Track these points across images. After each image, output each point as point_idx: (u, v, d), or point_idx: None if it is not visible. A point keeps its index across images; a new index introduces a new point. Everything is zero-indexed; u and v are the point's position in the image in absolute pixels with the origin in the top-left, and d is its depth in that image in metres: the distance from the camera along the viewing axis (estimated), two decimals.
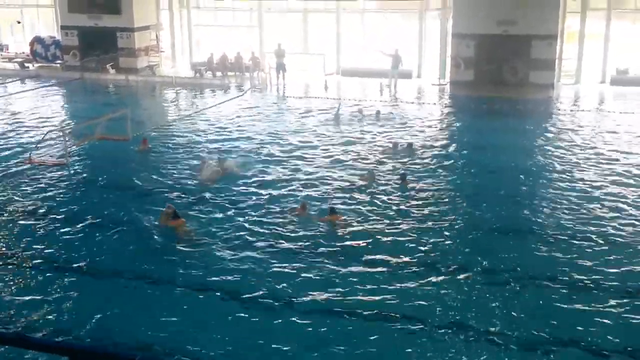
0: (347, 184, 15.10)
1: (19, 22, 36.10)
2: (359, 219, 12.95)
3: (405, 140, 18.75)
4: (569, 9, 27.40)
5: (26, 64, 32.98)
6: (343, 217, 12.90)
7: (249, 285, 10.36)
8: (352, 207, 13.56)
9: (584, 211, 13.30)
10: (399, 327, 9.22)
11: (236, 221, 12.83)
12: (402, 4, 29.69)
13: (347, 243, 11.90)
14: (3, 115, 22.90)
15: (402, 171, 15.64)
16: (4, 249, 11.84)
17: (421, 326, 9.22)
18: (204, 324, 9.31)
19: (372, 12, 30.66)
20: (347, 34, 31.00)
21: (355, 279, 10.49)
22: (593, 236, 12.07)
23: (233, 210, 13.40)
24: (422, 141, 18.83)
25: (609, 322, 9.25)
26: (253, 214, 13.24)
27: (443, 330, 9.11)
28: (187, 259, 11.31)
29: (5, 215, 13.39)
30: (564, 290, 10.17)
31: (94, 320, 9.37)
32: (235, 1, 30.74)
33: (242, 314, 9.58)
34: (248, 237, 12.09)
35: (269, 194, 14.41)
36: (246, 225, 12.64)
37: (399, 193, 14.48)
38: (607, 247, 11.62)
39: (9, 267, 11.18)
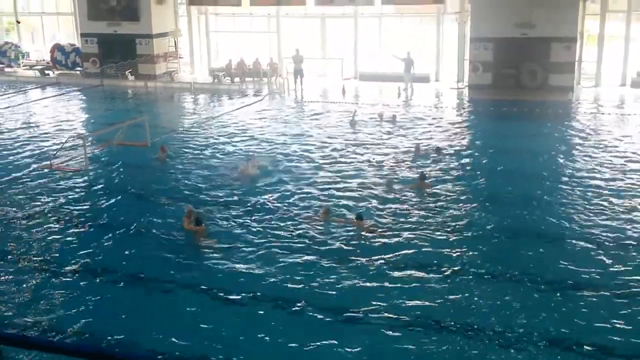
0: (368, 188, 15.07)
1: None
2: (381, 223, 12.91)
3: (427, 143, 18.75)
4: (588, 11, 27.18)
5: (47, 71, 33.36)
6: (370, 223, 12.83)
7: (275, 290, 10.37)
8: (374, 212, 13.52)
9: (608, 214, 13.16)
10: (426, 332, 9.18)
11: (258, 225, 12.86)
12: (419, 8, 29.62)
13: (373, 248, 11.86)
14: (24, 122, 23.15)
15: (422, 172, 15.64)
16: (24, 253, 11.93)
17: (445, 330, 9.17)
18: (225, 329, 9.32)
19: (389, 16, 30.62)
20: (364, 38, 31.00)
21: (381, 285, 10.45)
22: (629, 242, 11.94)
23: (255, 215, 13.44)
24: (440, 145, 18.73)
25: None
26: (275, 218, 13.27)
27: (466, 333, 9.05)
28: (207, 264, 11.34)
29: (25, 219, 13.51)
30: (592, 298, 10.06)
31: (113, 324, 9.43)
32: (253, 7, 30.80)
33: (272, 321, 9.58)
34: (270, 242, 12.11)
35: (290, 198, 14.43)
36: (268, 229, 12.68)
37: (419, 195, 14.43)
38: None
39: (28, 271, 11.27)
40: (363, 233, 12.45)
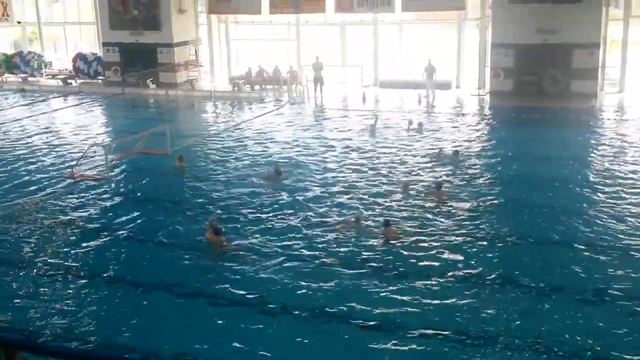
0: (387, 194, 15.01)
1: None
2: (403, 230, 12.85)
3: (447, 148, 18.70)
4: (611, 16, 26.86)
5: (69, 80, 33.69)
6: (398, 232, 12.74)
7: (298, 299, 10.33)
8: (396, 218, 13.45)
9: (631, 222, 12.96)
10: (444, 341, 9.07)
11: (281, 233, 12.86)
12: (440, 14, 29.50)
13: (398, 256, 11.80)
14: (47, 131, 23.37)
15: (438, 181, 15.53)
16: (44, 259, 12.00)
17: (461, 338, 9.05)
18: (242, 338, 9.27)
19: (409, 23, 30.53)
20: (384, 45, 30.92)
21: (407, 294, 10.39)
22: None
23: (276, 222, 13.42)
24: (462, 151, 18.60)
25: None
26: (299, 226, 13.25)
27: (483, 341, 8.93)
28: (228, 273, 11.32)
29: (46, 227, 13.60)
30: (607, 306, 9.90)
31: (129, 332, 9.44)
32: (272, 15, 30.87)
33: (292, 330, 9.53)
34: (296, 250, 12.10)
35: (313, 205, 14.42)
36: (294, 237, 12.66)
37: (439, 201, 14.34)
38: None
39: (47, 277, 11.34)
40: (390, 241, 12.38)
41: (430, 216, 13.64)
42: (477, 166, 17.36)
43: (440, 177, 16.18)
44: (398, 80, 29.79)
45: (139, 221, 13.96)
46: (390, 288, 10.58)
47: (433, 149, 18.85)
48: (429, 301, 10.12)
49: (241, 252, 12.00)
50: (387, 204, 14.44)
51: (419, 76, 27.79)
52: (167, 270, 11.59)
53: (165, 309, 10.28)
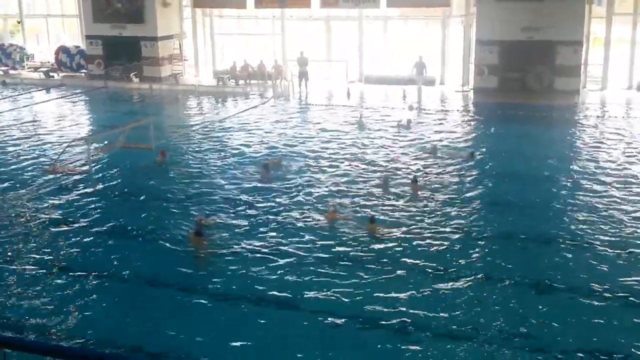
0: (373, 189, 15.03)
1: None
2: (385, 225, 12.86)
3: (428, 143, 18.86)
4: (594, 14, 27.04)
5: (51, 73, 33.37)
6: (382, 228, 12.75)
7: (283, 293, 10.32)
8: (378, 213, 13.45)
9: (614, 219, 13.05)
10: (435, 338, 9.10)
11: (262, 228, 12.83)
12: (425, 11, 29.54)
13: (380, 250, 11.80)
14: (28, 124, 23.13)
15: (414, 175, 15.59)
16: (25, 256, 11.88)
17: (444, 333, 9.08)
18: (230, 333, 9.24)
19: (394, 19, 30.53)
20: (369, 41, 30.92)
21: (388, 287, 10.41)
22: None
23: (259, 217, 13.38)
24: (446, 148, 18.65)
25: None
26: (280, 220, 13.24)
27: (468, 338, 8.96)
28: (211, 268, 11.32)
29: (27, 223, 13.46)
30: (591, 302, 9.97)
31: (113, 327, 9.37)
32: (257, 9, 30.75)
33: (275, 324, 9.51)
34: (275, 245, 12.07)
35: (296, 199, 14.42)
36: (273, 232, 12.65)
37: (423, 198, 14.36)
38: None
39: (29, 274, 11.21)
40: (375, 235, 12.42)
41: (413, 211, 13.65)
42: (460, 162, 17.37)
43: (421, 171, 16.27)
44: (383, 76, 29.79)
45: (120, 216, 13.86)
46: (373, 282, 10.60)
47: (422, 144, 18.88)
48: (413, 296, 10.13)
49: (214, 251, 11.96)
50: (372, 198, 14.44)
51: (407, 72, 27.75)
52: (149, 265, 11.52)
53: (148, 305, 10.22)
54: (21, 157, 18.50)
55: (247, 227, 12.93)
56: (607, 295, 10.11)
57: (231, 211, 13.86)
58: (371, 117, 23.08)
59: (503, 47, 26.14)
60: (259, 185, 15.56)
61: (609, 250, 11.70)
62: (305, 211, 13.77)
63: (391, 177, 15.84)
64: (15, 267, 11.51)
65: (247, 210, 13.87)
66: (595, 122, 22.32)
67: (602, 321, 9.40)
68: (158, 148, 18.07)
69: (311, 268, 11.16)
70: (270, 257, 11.60)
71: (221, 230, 12.75)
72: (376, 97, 27.18)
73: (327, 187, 15.39)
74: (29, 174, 16.83)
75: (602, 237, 12.22)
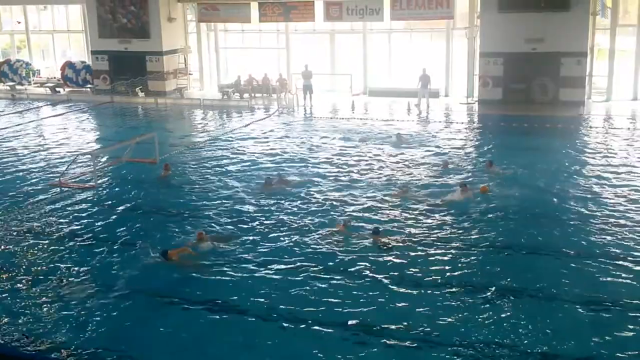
0: (382, 202, 15.05)
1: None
2: (395, 238, 12.88)
3: (437, 158, 18.87)
4: (598, 25, 27.05)
5: (57, 89, 33.54)
6: (387, 239, 12.77)
7: (285, 306, 10.31)
8: (388, 225, 13.47)
9: (621, 231, 13.01)
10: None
11: (268, 241, 12.88)
12: (429, 23, 29.64)
13: (387, 264, 11.81)
14: (35, 139, 23.26)
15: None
16: (31, 269, 11.94)
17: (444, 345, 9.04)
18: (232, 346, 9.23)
19: (398, 32, 30.62)
20: (374, 54, 30.99)
21: (395, 301, 10.43)
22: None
23: (263, 230, 13.39)
24: (451, 160, 18.63)
25: None
26: (289, 234, 13.27)
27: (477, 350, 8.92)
28: (213, 281, 11.32)
29: (33, 236, 13.51)
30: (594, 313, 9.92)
31: (115, 341, 9.38)
32: (262, 23, 30.90)
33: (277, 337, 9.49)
34: (284, 258, 12.13)
35: (306, 212, 14.49)
36: (282, 245, 12.69)
37: (431, 210, 14.36)
38: None
39: (35, 287, 11.25)
40: (380, 246, 12.44)
41: (420, 223, 13.65)
42: (464, 174, 17.35)
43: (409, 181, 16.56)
44: (387, 88, 29.83)
45: (125, 230, 13.88)
46: (378, 294, 10.61)
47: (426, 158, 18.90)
48: (417, 308, 10.14)
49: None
50: (378, 211, 14.45)
51: (413, 85, 27.75)
52: (152, 278, 11.53)
53: (151, 317, 10.22)
54: (28, 172, 18.57)
55: (249, 240, 12.94)
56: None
57: (234, 223, 13.89)
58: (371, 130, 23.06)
59: (507, 59, 26.16)
60: (263, 198, 15.56)
61: (608, 260, 11.68)
62: (307, 222, 13.78)
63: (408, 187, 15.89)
64: (17, 278, 11.55)
65: (251, 224, 13.88)
66: (599, 133, 22.26)
67: None
68: (162, 162, 18.12)
69: (320, 279, 11.16)
70: (275, 268, 11.60)
71: (231, 244, 12.80)
72: (380, 109, 27.15)
73: (337, 200, 15.41)
74: (36, 187, 16.90)
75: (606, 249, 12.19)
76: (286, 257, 12.18)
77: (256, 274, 11.51)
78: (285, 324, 9.83)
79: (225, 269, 11.74)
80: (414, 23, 29.71)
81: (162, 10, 30.80)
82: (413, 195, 15.41)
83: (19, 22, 36.76)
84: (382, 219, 13.94)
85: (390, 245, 12.50)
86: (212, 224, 13.91)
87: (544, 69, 25.81)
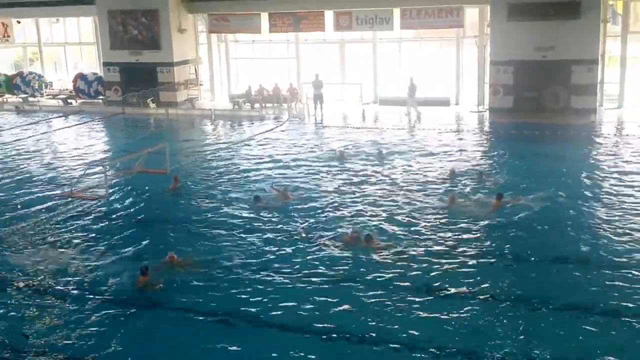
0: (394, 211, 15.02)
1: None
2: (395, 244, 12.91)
3: (445, 166, 18.79)
4: (609, 32, 26.95)
5: (69, 100, 33.79)
6: (378, 243, 12.85)
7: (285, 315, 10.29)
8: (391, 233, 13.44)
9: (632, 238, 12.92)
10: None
11: (278, 253, 12.88)
12: (439, 32, 29.65)
13: (381, 269, 11.83)
14: (47, 150, 23.41)
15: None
16: (40, 280, 12.00)
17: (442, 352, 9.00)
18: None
19: (408, 41, 30.64)
20: (384, 63, 31.01)
21: (389, 308, 10.43)
22: None
23: (271, 241, 13.41)
24: (461, 168, 18.57)
25: None
26: (300, 246, 13.27)
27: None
28: (222, 291, 11.34)
29: (45, 247, 13.57)
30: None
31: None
32: (272, 33, 31.02)
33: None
34: (295, 269, 12.16)
35: (311, 222, 14.49)
36: (293, 257, 12.73)
37: (440, 216, 14.32)
38: None
39: (42, 298, 11.35)
40: (373, 253, 12.48)
41: (427, 226, 13.62)
42: (476, 183, 17.28)
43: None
44: (398, 97, 29.78)
45: (136, 241, 13.91)
46: (372, 300, 10.70)
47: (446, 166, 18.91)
48: (414, 314, 10.21)
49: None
50: (388, 220, 14.43)
51: (422, 94, 27.69)
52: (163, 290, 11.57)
53: (162, 330, 10.23)
54: (40, 183, 18.70)
55: (260, 252, 12.97)
56: None
57: (243, 234, 13.92)
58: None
59: (517, 67, 26.08)
60: (272, 208, 15.56)
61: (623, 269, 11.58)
62: (318, 233, 13.79)
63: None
64: (26, 289, 11.64)
65: (264, 235, 13.91)
66: (612, 140, 22.13)
67: None
68: (173, 172, 18.17)
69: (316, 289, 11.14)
70: (283, 279, 11.59)
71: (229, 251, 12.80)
72: (391, 118, 27.13)
73: (343, 209, 15.41)
74: (47, 198, 16.99)
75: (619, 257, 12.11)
76: (287, 265, 12.25)
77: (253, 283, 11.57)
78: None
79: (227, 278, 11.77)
80: (424, 32, 29.73)
81: (173, 21, 30.98)
82: (423, 204, 15.36)
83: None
84: (397, 231, 13.89)
85: (384, 250, 12.55)
86: (218, 236, 13.90)
87: (555, 76, 25.70)
